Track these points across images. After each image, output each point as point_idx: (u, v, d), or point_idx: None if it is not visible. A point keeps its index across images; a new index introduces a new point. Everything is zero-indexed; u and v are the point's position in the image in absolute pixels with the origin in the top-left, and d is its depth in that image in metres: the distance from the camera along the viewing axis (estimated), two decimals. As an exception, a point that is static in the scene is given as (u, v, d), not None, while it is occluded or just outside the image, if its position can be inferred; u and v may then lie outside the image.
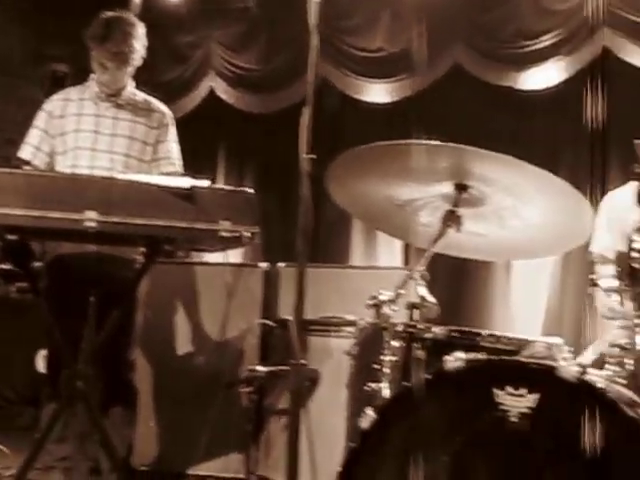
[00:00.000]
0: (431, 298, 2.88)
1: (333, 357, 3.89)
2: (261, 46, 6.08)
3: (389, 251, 5.76)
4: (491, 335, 2.57)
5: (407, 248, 5.42)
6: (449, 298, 5.58)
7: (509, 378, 2.14)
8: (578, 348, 3.38)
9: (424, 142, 2.52)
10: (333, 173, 2.64)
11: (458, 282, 5.56)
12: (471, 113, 5.69)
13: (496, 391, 2.14)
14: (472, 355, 2.29)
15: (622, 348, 2.41)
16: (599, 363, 2.63)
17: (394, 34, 5.70)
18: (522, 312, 5.49)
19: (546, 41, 5.51)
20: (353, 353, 2.90)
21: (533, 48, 5.52)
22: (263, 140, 6.00)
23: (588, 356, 3.03)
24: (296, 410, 2.65)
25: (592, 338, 4.31)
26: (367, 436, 2.24)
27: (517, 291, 5.57)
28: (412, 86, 5.61)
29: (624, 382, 2.44)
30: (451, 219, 2.61)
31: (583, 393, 2.10)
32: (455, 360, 2.25)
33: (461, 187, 2.58)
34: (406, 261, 5.44)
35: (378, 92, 5.78)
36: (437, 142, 2.52)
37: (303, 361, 2.68)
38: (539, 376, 2.15)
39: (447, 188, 2.61)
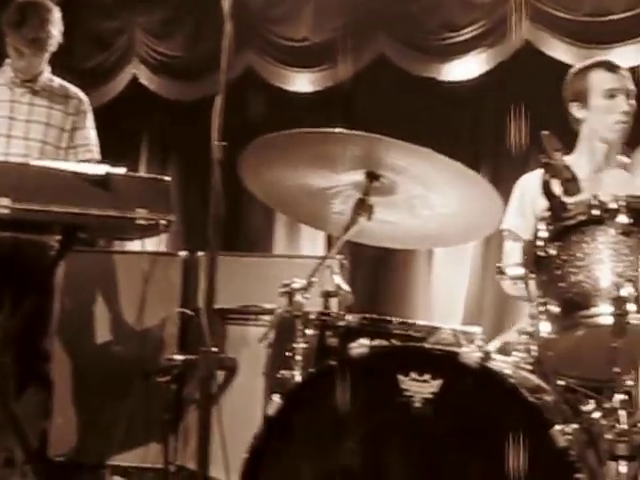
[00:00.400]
0: (346, 286, 2.90)
1: (251, 346, 3.89)
2: (185, 33, 6.03)
3: (312, 240, 5.78)
4: (402, 322, 2.59)
5: (330, 237, 5.43)
6: (371, 286, 5.64)
7: (413, 364, 2.16)
8: (498, 335, 3.43)
9: (335, 130, 2.53)
10: (245, 161, 2.64)
11: (380, 270, 5.61)
12: (395, 103, 5.72)
13: (401, 377, 2.17)
14: (377, 342, 2.31)
15: (529, 335, 2.45)
16: (507, 350, 2.68)
17: (319, 24, 5.70)
18: (443, 299, 5.56)
19: (469, 33, 5.56)
20: (269, 341, 2.90)
21: (456, 40, 5.57)
22: (187, 128, 5.95)
23: (495, 343, 3.08)
24: (206, 397, 2.64)
25: (512, 325, 4.38)
26: (273, 422, 2.25)
27: (438, 279, 5.63)
28: (336, 76, 5.63)
29: (530, 368, 2.49)
30: (362, 207, 2.62)
31: (484, 378, 2.14)
32: (359, 347, 2.27)
33: (372, 176, 2.60)
34: (329, 250, 5.45)
35: (303, 82, 5.78)
36: (348, 131, 2.53)
37: (214, 348, 2.68)
38: (442, 362, 2.18)
39: (359, 176, 2.62)
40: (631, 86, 3.56)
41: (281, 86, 5.81)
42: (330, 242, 5.47)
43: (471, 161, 5.66)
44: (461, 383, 2.14)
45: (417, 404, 2.15)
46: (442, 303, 5.56)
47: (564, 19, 5.37)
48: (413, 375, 2.15)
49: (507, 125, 5.31)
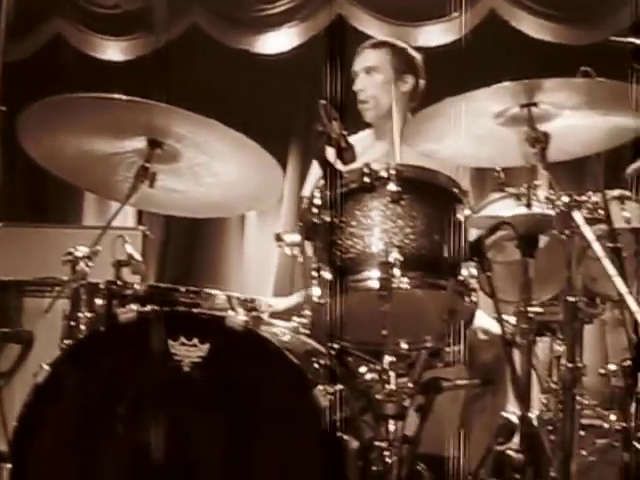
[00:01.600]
0: (138, 256, 2.90)
1: (47, 318, 3.81)
2: (-11, -2, 5.80)
3: (122, 211, 5.69)
4: (189, 290, 2.60)
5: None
6: (185, 258, 5.63)
7: (181, 329, 2.19)
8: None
9: (115, 96, 2.52)
10: (23, 126, 2.58)
11: (193, 241, 5.60)
12: (209, 74, 5.70)
13: (171, 342, 2.19)
14: (148, 307, 2.32)
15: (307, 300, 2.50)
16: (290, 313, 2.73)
17: (132, -10, 5.60)
18: (255, 270, 5.61)
19: (283, 6, 5.57)
20: (65, 312, 2.87)
21: (270, 12, 5.58)
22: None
23: (280, 305, 3.13)
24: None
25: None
26: (41, 391, 2.23)
27: (250, 249, 5.67)
28: (149, 45, 5.55)
29: (307, 332, 2.56)
30: (144, 175, 2.61)
31: (249, 342, 2.18)
32: (128, 312, 2.27)
33: (154, 143, 2.59)
34: (139, 221, 5.41)
35: (114, 50, 5.65)
36: (129, 97, 2.52)
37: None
38: (209, 326, 2.21)
39: (141, 144, 2.61)
40: (372, 62, 3.65)
41: (92, 54, 5.66)
42: (141, 213, 5.43)
43: (284, 134, 5.73)
44: (227, 347, 2.18)
45: (186, 368, 2.18)
46: (254, 274, 5.60)
47: (377, -5, 5.47)
48: (182, 340, 2.18)
49: (318, 99, 5.37)
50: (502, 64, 4.96)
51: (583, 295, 2.70)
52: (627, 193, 3.79)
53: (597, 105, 2.52)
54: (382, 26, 5.48)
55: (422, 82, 3.72)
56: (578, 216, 2.34)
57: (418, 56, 3.73)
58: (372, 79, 3.62)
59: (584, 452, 3.81)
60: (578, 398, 3.11)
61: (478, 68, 4.84)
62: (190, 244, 5.61)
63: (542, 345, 4.19)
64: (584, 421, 4.00)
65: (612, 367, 4.15)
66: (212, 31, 5.59)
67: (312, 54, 5.55)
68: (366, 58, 3.66)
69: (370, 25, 5.50)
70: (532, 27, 5.33)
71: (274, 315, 2.66)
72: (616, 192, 3.78)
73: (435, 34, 5.47)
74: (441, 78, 4.15)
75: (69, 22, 5.62)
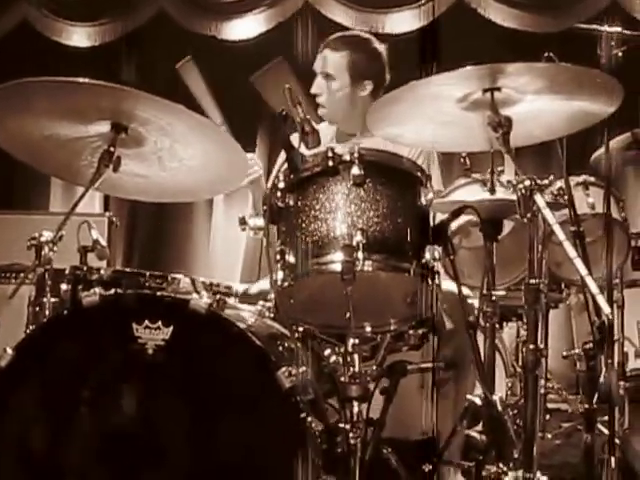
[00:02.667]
0: (103, 241, 2.90)
1: (12, 304, 3.80)
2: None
3: (89, 197, 5.66)
4: (153, 275, 2.60)
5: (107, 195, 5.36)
6: (153, 243, 5.63)
7: (145, 312, 2.19)
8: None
9: (80, 80, 2.51)
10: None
11: (160, 226, 5.60)
12: (174, 60, 5.67)
13: (135, 325, 2.19)
14: (111, 291, 2.32)
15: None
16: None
17: (97, -24, 5.57)
18: (222, 255, 5.61)
19: (251, -8, 5.57)
20: (31, 298, 2.86)
21: (237, -2, 5.58)
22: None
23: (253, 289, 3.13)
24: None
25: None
26: (5, 375, 2.22)
27: (218, 233, 5.67)
28: (115, 31, 5.52)
29: (272, 315, 2.57)
30: (108, 159, 2.60)
31: (213, 324, 2.19)
32: (91, 295, 2.27)
33: (118, 127, 2.58)
34: (105, 207, 5.39)
35: (80, 36, 5.61)
36: (94, 81, 2.51)
37: None
38: (173, 309, 2.22)
39: (105, 128, 2.60)
40: (329, 69, 3.50)
41: (58, 40, 5.62)
42: (107, 199, 5.42)
43: (251, 120, 5.72)
44: (191, 329, 2.19)
45: (150, 351, 2.18)
46: (221, 258, 5.61)
47: (342, -18, 5.47)
48: (146, 323, 2.18)
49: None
50: (469, 51, 4.98)
51: (549, 280, 2.72)
52: (591, 179, 3.83)
53: (560, 90, 2.52)
54: (349, 12, 5.50)
55: (387, 77, 3.59)
56: (539, 199, 2.35)
57: (383, 50, 3.59)
58: (329, 85, 3.49)
59: (549, 435, 3.87)
60: (542, 382, 3.15)
61: (445, 55, 4.85)
62: (157, 229, 5.60)
63: (508, 330, 4.24)
64: (550, 405, 4.06)
65: (576, 351, 4.21)
66: (179, 17, 5.57)
67: (279, 40, 5.55)
68: (325, 62, 3.50)
69: (337, 12, 5.52)
70: (499, 14, 5.36)
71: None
72: (581, 178, 3.82)
73: (404, 20, 5.48)
74: (407, 64, 4.15)
75: (35, 7, 5.57)
